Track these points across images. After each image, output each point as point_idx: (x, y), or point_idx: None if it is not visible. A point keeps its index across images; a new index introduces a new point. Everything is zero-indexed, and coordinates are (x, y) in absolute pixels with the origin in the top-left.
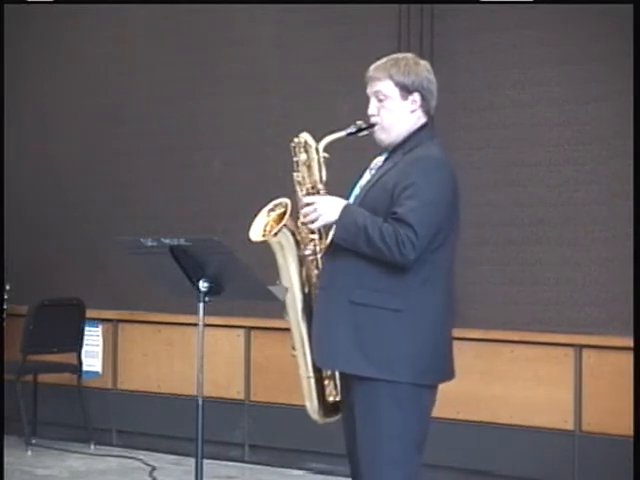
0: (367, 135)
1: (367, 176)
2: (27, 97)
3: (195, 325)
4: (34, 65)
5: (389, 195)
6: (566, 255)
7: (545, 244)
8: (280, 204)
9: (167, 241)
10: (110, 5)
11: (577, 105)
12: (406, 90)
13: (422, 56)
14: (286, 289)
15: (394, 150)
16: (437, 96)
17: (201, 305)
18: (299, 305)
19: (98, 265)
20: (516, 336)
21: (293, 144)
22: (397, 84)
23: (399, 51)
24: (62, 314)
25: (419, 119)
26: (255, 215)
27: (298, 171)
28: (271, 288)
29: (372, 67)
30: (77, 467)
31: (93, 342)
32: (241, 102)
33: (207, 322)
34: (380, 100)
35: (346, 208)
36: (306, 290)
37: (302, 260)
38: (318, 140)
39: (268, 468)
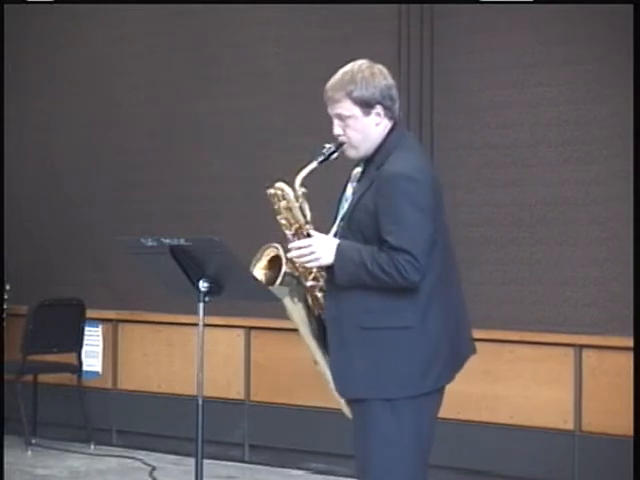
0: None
1: (350, 189)
2: (27, 97)
3: (195, 325)
4: (34, 65)
5: (373, 220)
6: (566, 255)
7: (545, 244)
8: (267, 249)
9: (167, 241)
10: (110, 5)
11: (577, 105)
12: (367, 106)
13: (422, 56)
14: (288, 290)
15: (368, 162)
16: (434, 97)
17: (201, 305)
18: (312, 338)
19: (98, 265)
20: (516, 336)
21: (269, 195)
22: (356, 102)
23: (399, 51)
24: (62, 314)
25: (385, 128)
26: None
27: (281, 214)
28: (271, 288)
29: (329, 86)
30: (77, 467)
31: (93, 342)
32: (241, 102)
33: (207, 322)
34: (343, 120)
35: (339, 248)
36: (316, 313)
37: (306, 292)
38: (295, 174)
39: (268, 468)
